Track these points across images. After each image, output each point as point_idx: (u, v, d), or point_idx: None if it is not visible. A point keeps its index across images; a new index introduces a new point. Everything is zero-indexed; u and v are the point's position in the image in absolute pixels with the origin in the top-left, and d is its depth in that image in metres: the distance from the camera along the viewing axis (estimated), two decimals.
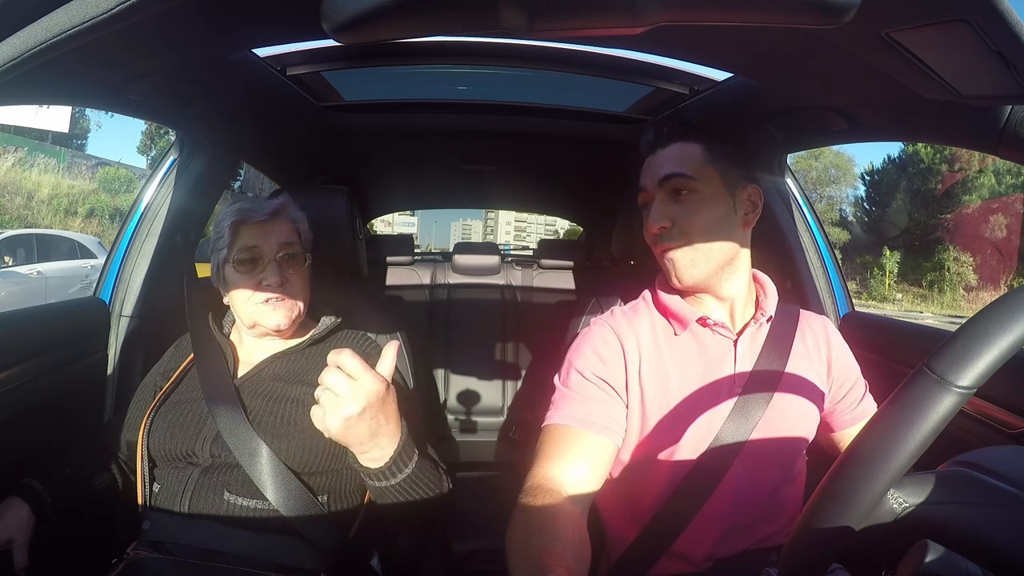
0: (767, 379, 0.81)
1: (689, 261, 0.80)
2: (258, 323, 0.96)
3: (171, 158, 1.29)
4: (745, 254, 0.85)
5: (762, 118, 1.12)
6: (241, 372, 0.98)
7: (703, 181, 0.81)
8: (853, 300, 1.38)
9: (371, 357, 1.02)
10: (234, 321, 1.05)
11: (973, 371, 0.38)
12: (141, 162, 22.59)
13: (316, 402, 0.92)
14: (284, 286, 0.95)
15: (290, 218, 1.01)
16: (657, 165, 0.83)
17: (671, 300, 0.86)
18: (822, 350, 0.88)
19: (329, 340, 1.03)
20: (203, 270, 1.46)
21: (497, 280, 2.25)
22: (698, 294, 0.85)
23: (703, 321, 0.83)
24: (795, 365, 0.84)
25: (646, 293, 0.91)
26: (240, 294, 0.96)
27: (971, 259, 19.87)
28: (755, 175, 0.87)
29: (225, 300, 1.01)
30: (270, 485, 0.85)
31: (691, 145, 0.82)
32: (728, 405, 0.80)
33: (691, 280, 0.81)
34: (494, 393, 2.07)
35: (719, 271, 0.82)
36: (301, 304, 0.99)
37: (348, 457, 0.82)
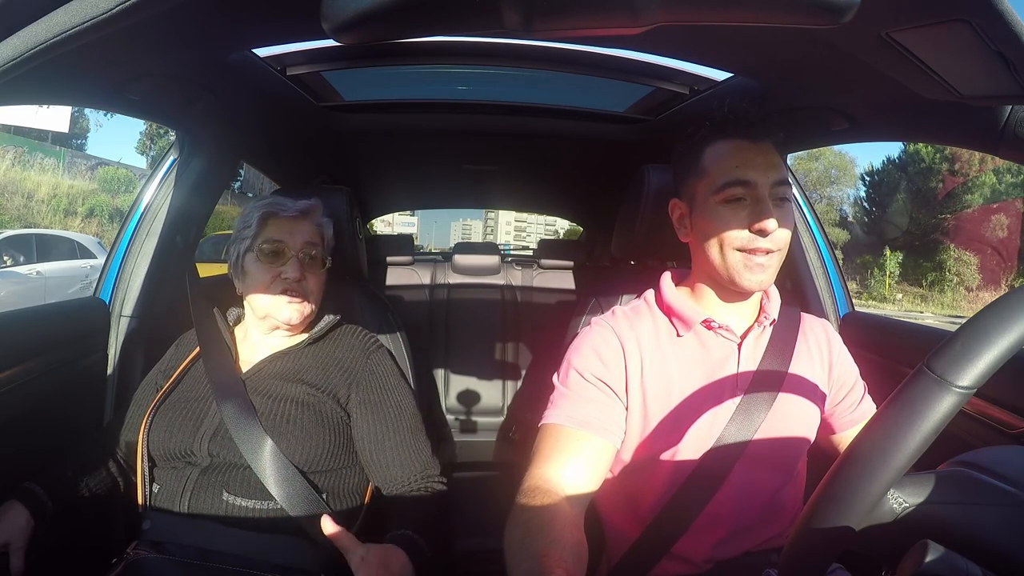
0: (770, 380, 0.81)
1: (775, 268, 0.79)
2: (270, 315, 0.98)
3: (171, 158, 1.29)
4: None
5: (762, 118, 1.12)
6: (243, 369, 0.98)
7: (791, 191, 0.80)
8: (853, 300, 1.38)
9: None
10: (237, 319, 1.06)
11: (973, 371, 0.38)
12: (141, 162, 22.63)
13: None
14: (301, 283, 0.97)
15: (317, 222, 1.03)
16: (763, 164, 0.77)
17: (677, 300, 0.85)
18: (823, 352, 0.89)
19: (329, 337, 1.04)
20: (203, 270, 1.47)
21: (497, 280, 2.25)
22: (705, 294, 0.85)
23: (708, 323, 0.83)
24: (797, 367, 0.84)
25: (648, 293, 0.91)
26: (258, 284, 0.97)
27: (972, 259, 19.85)
28: None
29: (239, 291, 1.02)
30: (273, 481, 0.85)
31: (774, 147, 0.80)
32: (731, 406, 0.80)
33: (766, 287, 0.81)
34: (494, 393, 2.07)
35: None
36: (313, 304, 1.01)
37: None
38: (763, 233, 0.75)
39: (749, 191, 0.77)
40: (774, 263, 0.78)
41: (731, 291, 0.82)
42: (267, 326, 1.00)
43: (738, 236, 0.77)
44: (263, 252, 0.97)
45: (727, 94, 1.20)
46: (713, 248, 0.79)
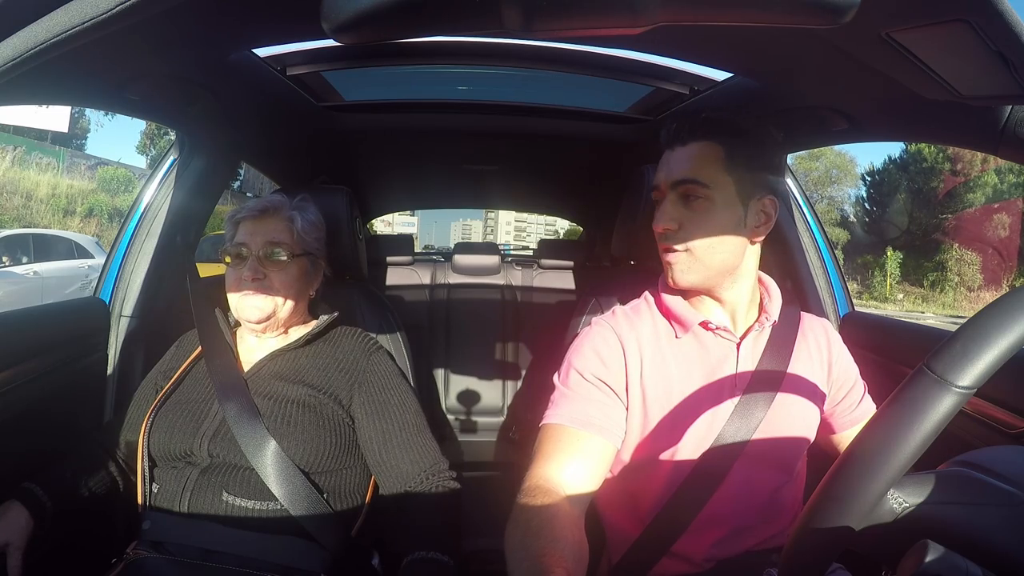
0: (769, 380, 0.81)
1: (686, 266, 0.79)
2: (238, 314, 0.99)
3: (171, 158, 1.29)
4: (749, 264, 0.82)
5: (762, 118, 1.12)
6: (244, 369, 0.98)
7: (716, 188, 0.77)
8: (854, 300, 1.38)
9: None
10: (237, 320, 1.06)
11: (973, 371, 0.38)
12: (141, 162, 22.61)
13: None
14: (261, 281, 0.96)
15: (285, 216, 1.01)
16: (673, 165, 0.80)
17: (673, 302, 0.85)
18: (823, 352, 0.88)
19: (327, 336, 1.04)
20: (203, 270, 1.46)
21: (497, 280, 2.25)
22: (699, 296, 0.85)
23: (705, 325, 0.83)
24: (796, 367, 0.84)
25: (647, 294, 0.91)
26: (228, 286, 0.99)
27: (974, 259, 19.83)
28: (774, 184, 0.83)
29: None
30: (276, 481, 0.85)
31: (711, 145, 0.79)
32: (730, 406, 0.80)
33: (686, 284, 0.80)
34: (494, 393, 2.07)
35: (718, 278, 0.80)
36: (280, 300, 0.99)
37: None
38: (658, 232, 0.80)
39: (658, 194, 0.82)
40: (680, 260, 0.79)
41: (707, 292, 0.83)
42: (248, 327, 1.02)
43: (658, 238, 0.82)
44: (230, 255, 0.99)
45: (727, 94, 1.21)
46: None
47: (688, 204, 0.78)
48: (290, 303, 1.00)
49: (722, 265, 0.79)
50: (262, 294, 0.97)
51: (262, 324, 0.99)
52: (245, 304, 0.97)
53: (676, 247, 0.79)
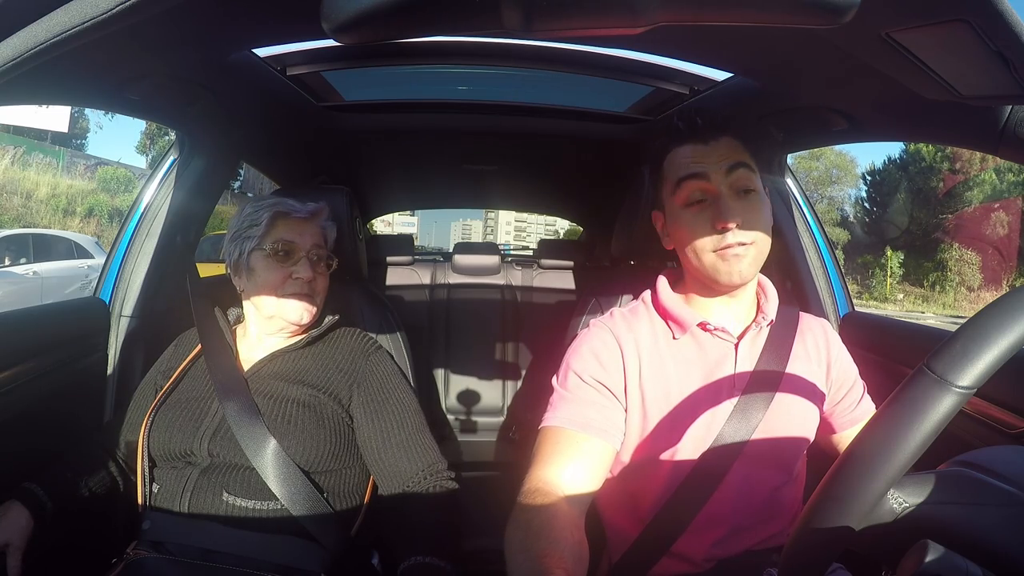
0: (767, 380, 0.81)
1: (753, 260, 0.79)
2: (278, 315, 0.98)
3: (171, 158, 1.29)
4: None
5: (762, 118, 1.12)
6: (243, 368, 0.98)
7: (757, 179, 0.80)
8: (854, 300, 1.38)
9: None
10: (237, 319, 1.06)
11: (973, 371, 0.38)
12: (141, 162, 22.65)
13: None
14: (311, 283, 0.98)
15: (322, 224, 1.05)
16: (717, 156, 0.78)
17: (671, 303, 0.85)
18: (822, 352, 0.88)
19: (327, 337, 1.04)
20: (203, 270, 1.46)
21: (497, 280, 2.25)
22: (696, 296, 0.85)
23: (703, 326, 0.83)
24: (795, 367, 0.84)
25: (645, 295, 0.91)
26: (266, 284, 0.97)
27: (974, 258, 19.82)
28: (768, 181, 0.85)
29: (240, 289, 1.01)
30: (276, 481, 0.85)
31: (736, 142, 0.80)
32: (728, 406, 0.80)
33: (750, 278, 0.80)
34: (494, 393, 2.07)
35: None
36: (319, 305, 1.01)
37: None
38: (727, 229, 0.76)
39: (703, 185, 0.78)
40: (751, 253, 0.78)
41: (719, 290, 0.82)
42: (273, 326, 1.00)
43: (708, 239, 0.78)
44: (275, 252, 0.97)
45: (727, 94, 1.21)
46: (690, 253, 0.80)
47: (743, 197, 0.78)
48: (321, 307, 1.03)
49: (765, 258, 0.80)
50: (310, 295, 0.98)
51: (301, 326, 1.00)
52: (293, 305, 0.97)
53: (744, 241, 0.77)
